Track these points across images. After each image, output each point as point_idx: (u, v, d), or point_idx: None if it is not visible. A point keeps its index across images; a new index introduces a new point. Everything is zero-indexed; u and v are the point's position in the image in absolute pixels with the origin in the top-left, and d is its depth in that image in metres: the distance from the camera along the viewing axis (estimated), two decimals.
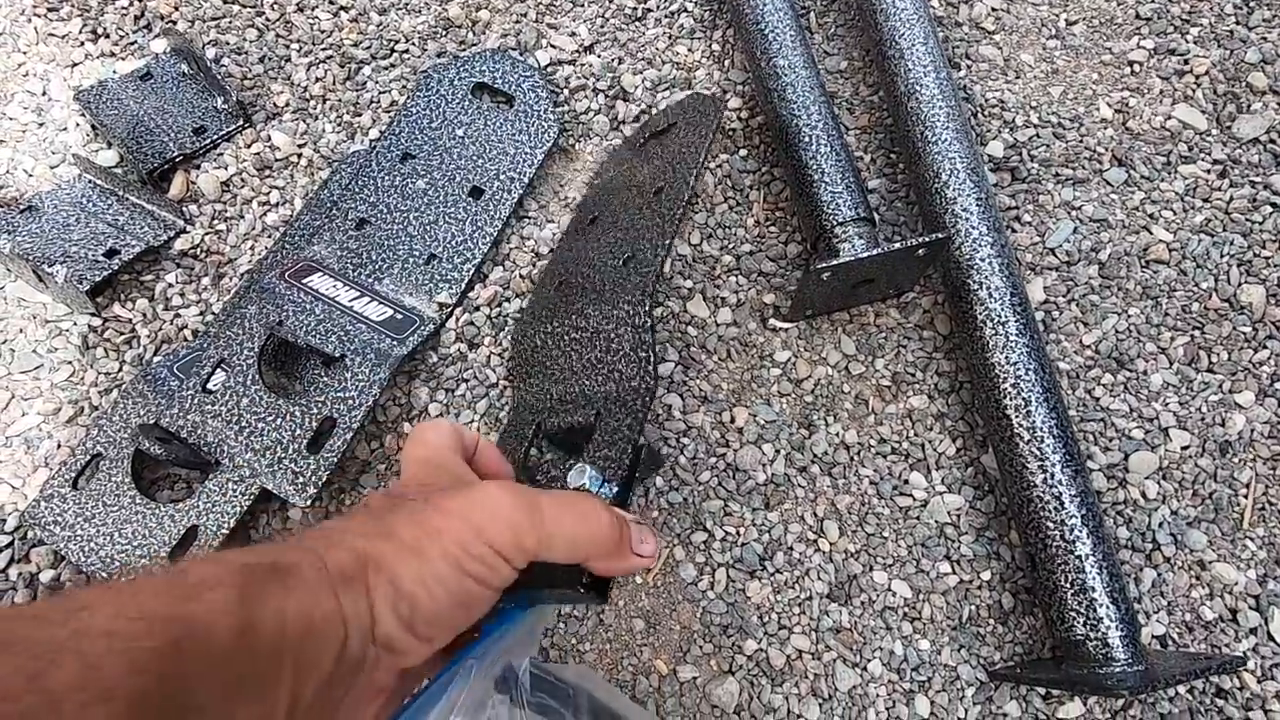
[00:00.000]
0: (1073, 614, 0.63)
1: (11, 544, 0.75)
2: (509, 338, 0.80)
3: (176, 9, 0.98)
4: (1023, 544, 0.68)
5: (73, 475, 0.73)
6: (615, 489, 0.45)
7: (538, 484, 0.67)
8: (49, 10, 0.98)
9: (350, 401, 0.73)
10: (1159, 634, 0.70)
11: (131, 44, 0.97)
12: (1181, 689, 0.68)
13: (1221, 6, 0.93)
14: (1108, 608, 0.62)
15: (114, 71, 0.95)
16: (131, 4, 0.98)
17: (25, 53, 0.97)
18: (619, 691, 0.64)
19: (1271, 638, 0.69)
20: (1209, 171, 0.85)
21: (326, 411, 0.72)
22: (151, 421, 0.73)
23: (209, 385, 0.74)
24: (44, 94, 0.94)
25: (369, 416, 0.74)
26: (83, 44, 0.97)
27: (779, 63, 0.82)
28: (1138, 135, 0.88)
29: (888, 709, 0.68)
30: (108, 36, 0.97)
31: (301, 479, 0.70)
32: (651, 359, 0.57)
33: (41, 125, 0.93)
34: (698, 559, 0.73)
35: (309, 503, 0.70)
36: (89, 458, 0.73)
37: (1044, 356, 0.70)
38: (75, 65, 0.96)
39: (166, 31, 0.95)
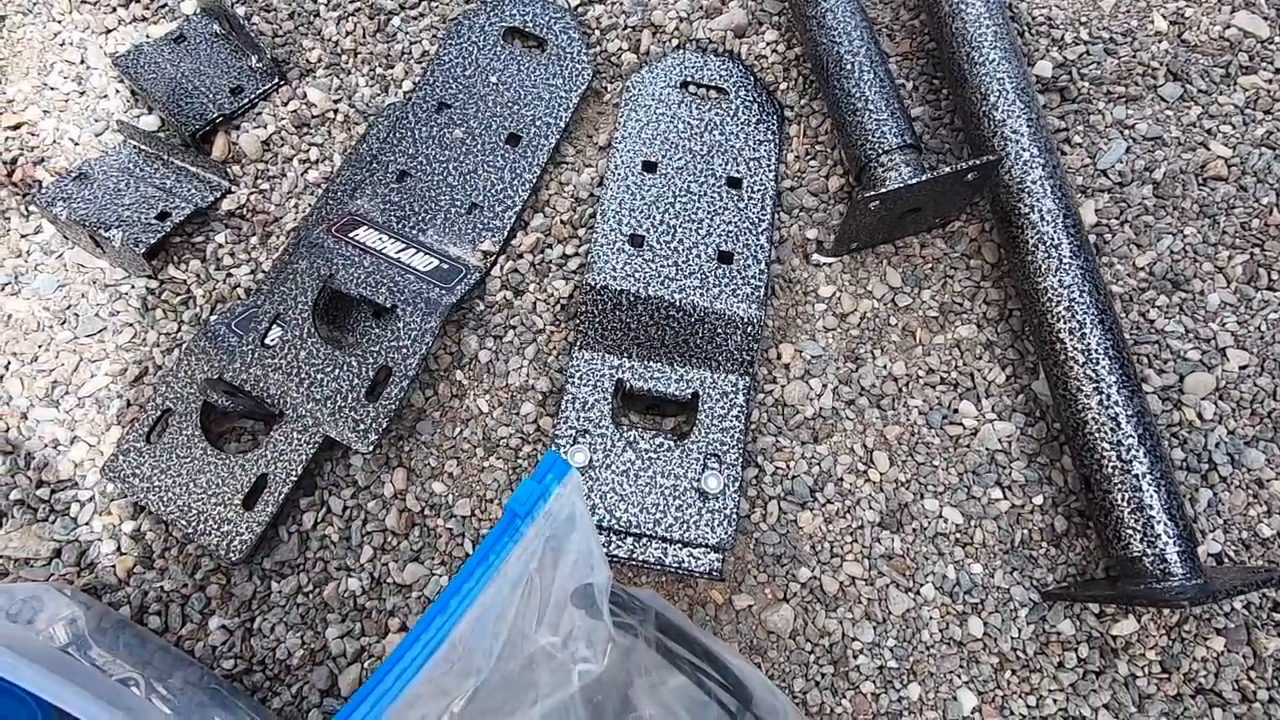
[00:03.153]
0: (1130, 532, 0.63)
1: (93, 498, 0.79)
2: (554, 284, 0.80)
3: None
4: (1076, 467, 0.68)
5: (146, 430, 0.76)
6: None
7: (629, 440, 0.69)
8: None
9: (404, 350, 0.74)
10: (1214, 552, 0.70)
11: (162, 7, 0.97)
12: (1238, 604, 0.68)
13: None
14: (1165, 524, 0.62)
15: (147, 36, 0.95)
16: None
17: (60, 22, 0.97)
18: (681, 613, 0.66)
19: None
20: (1271, 82, 0.82)
21: (382, 361, 0.74)
22: (215, 376, 0.76)
23: (267, 340, 0.76)
24: (82, 62, 0.95)
25: (423, 364, 0.75)
26: (114, 10, 0.97)
27: (820, 3, 0.80)
28: (1194, 47, 0.84)
29: (941, 630, 0.70)
30: (138, 1, 0.97)
31: (363, 426, 0.72)
32: None
33: (83, 94, 0.94)
34: (749, 493, 0.74)
35: (371, 449, 0.72)
36: (159, 413, 0.76)
37: (1098, 278, 0.69)
38: (109, 31, 0.97)
39: None
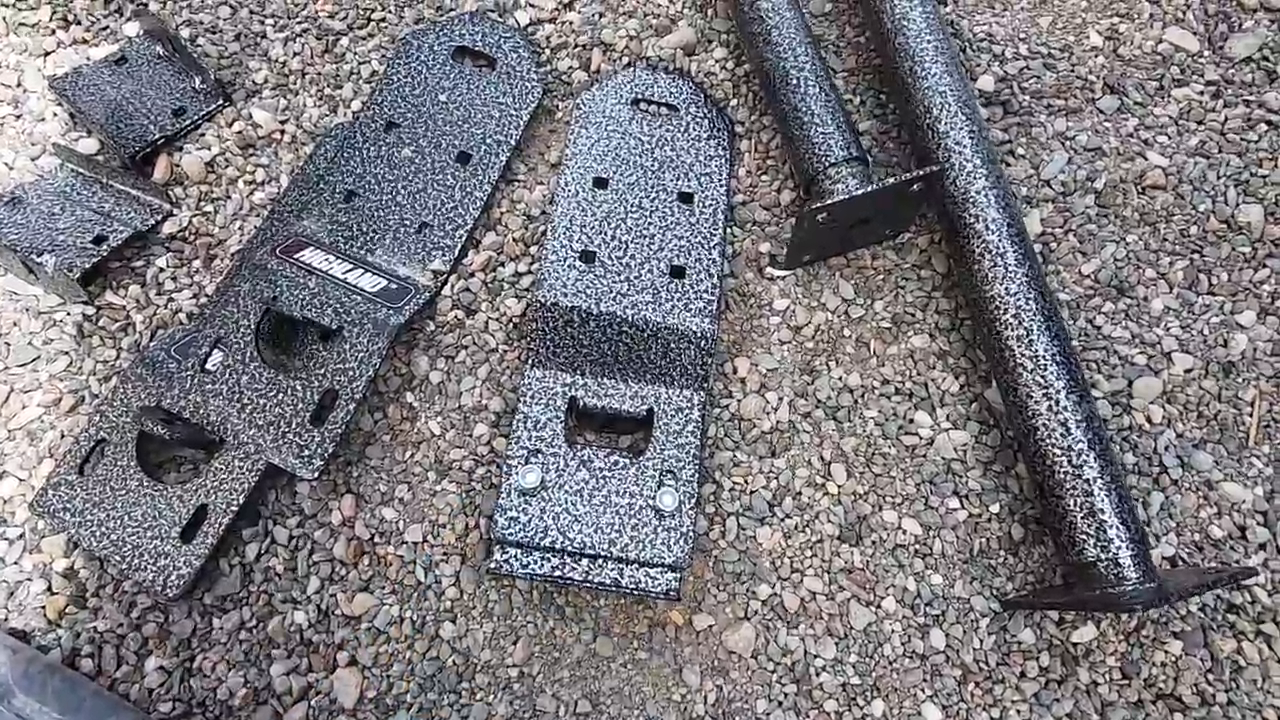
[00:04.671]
0: (1083, 537, 0.63)
1: (23, 534, 0.75)
2: (505, 302, 0.79)
3: None
4: (1030, 473, 0.68)
5: (79, 462, 0.73)
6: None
7: (582, 459, 0.68)
8: (14, 1, 0.96)
9: (351, 373, 0.72)
10: (1168, 555, 0.70)
11: (103, 29, 0.95)
12: (1193, 607, 0.68)
13: None
14: (1118, 529, 0.62)
15: (87, 58, 0.93)
16: None
17: None
18: None
19: (1277, 549, 0.70)
20: (1202, 93, 0.84)
21: (328, 384, 0.72)
22: (153, 404, 0.73)
23: (207, 365, 0.74)
24: (18, 85, 0.93)
25: (370, 387, 0.74)
26: (54, 32, 0.95)
27: (763, 5, 0.81)
28: (1129, 61, 0.86)
29: (903, 644, 0.69)
30: (79, 23, 0.95)
31: (307, 452, 0.70)
32: None
33: (19, 117, 0.91)
34: (707, 510, 0.73)
35: (316, 475, 0.70)
36: (93, 444, 0.73)
37: (1044, 285, 0.70)
38: (48, 54, 0.94)
39: (138, 14, 0.94)
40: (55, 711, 0.65)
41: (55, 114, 0.91)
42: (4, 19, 0.95)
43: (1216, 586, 0.61)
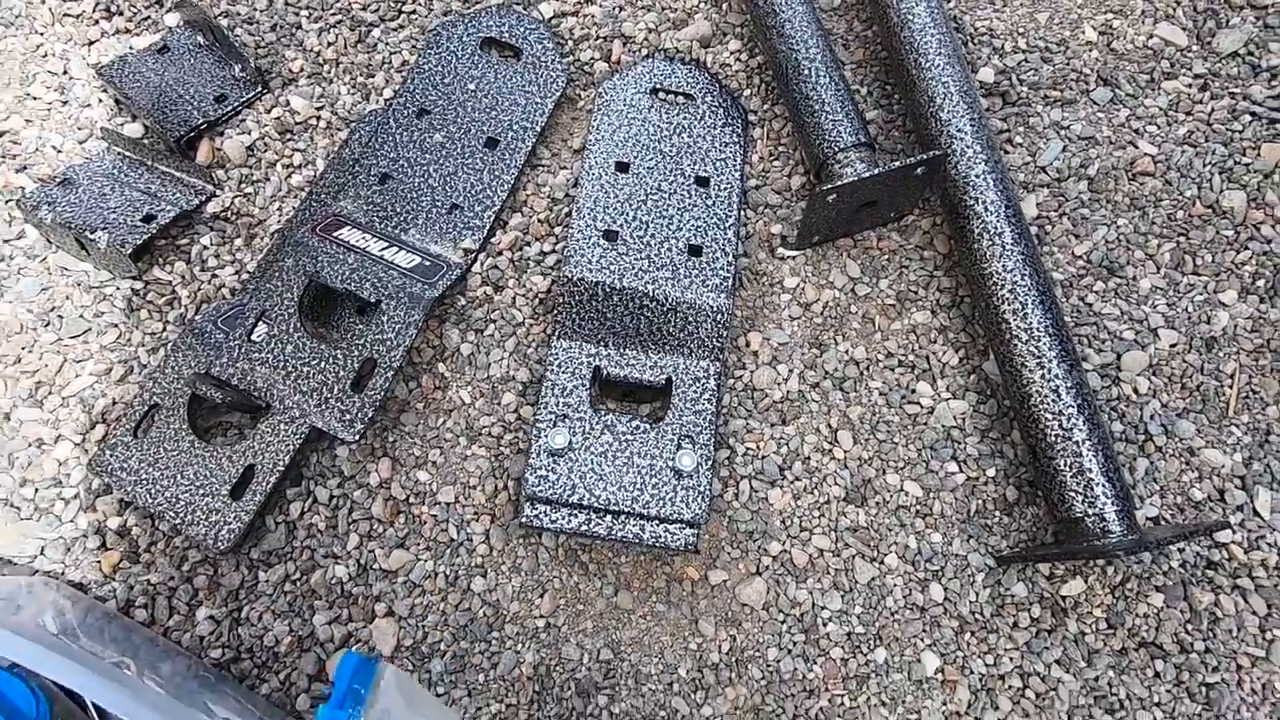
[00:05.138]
0: (1072, 494, 0.68)
1: (78, 495, 0.80)
2: (531, 279, 0.84)
3: None
4: (1024, 438, 0.73)
5: (133, 425, 0.78)
6: None
7: (606, 423, 0.72)
8: None
9: (389, 343, 0.77)
10: (1152, 515, 0.75)
11: (145, 19, 1.00)
12: (1174, 563, 0.73)
13: None
14: (1104, 486, 0.67)
15: (131, 47, 0.98)
16: None
17: (42, 34, 0.99)
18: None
19: (1257, 513, 0.75)
20: (1190, 86, 0.89)
21: (367, 354, 0.77)
22: (202, 371, 0.78)
23: (253, 335, 0.79)
24: (65, 73, 0.97)
25: (406, 357, 0.78)
26: (97, 22, 1.00)
27: (778, 15, 0.85)
28: (1122, 55, 0.91)
29: (904, 596, 0.74)
30: (121, 13, 1.00)
31: (349, 416, 0.75)
32: None
33: (65, 103, 0.96)
34: (722, 473, 0.78)
35: (357, 438, 0.75)
36: (146, 408, 0.78)
37: (1038, 263, 0.75)
38: (92, 43, 0.99)
39: (179, 4, 0.98)
40: (115, 654, 0.70)
41: (100, 100, 0.96)
42: (49, 9, 1.00)
43: (1192, 537, 0.66)
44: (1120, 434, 0.78)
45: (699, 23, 0.94)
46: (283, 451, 0.76)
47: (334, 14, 0.97)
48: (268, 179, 0.90)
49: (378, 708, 0.45)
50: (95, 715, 0.67)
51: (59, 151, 0.94)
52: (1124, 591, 0.73)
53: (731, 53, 0.93)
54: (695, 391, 0.76)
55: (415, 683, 0.56)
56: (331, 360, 0.77)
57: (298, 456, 0.77)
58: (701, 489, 0.72)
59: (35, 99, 0.96)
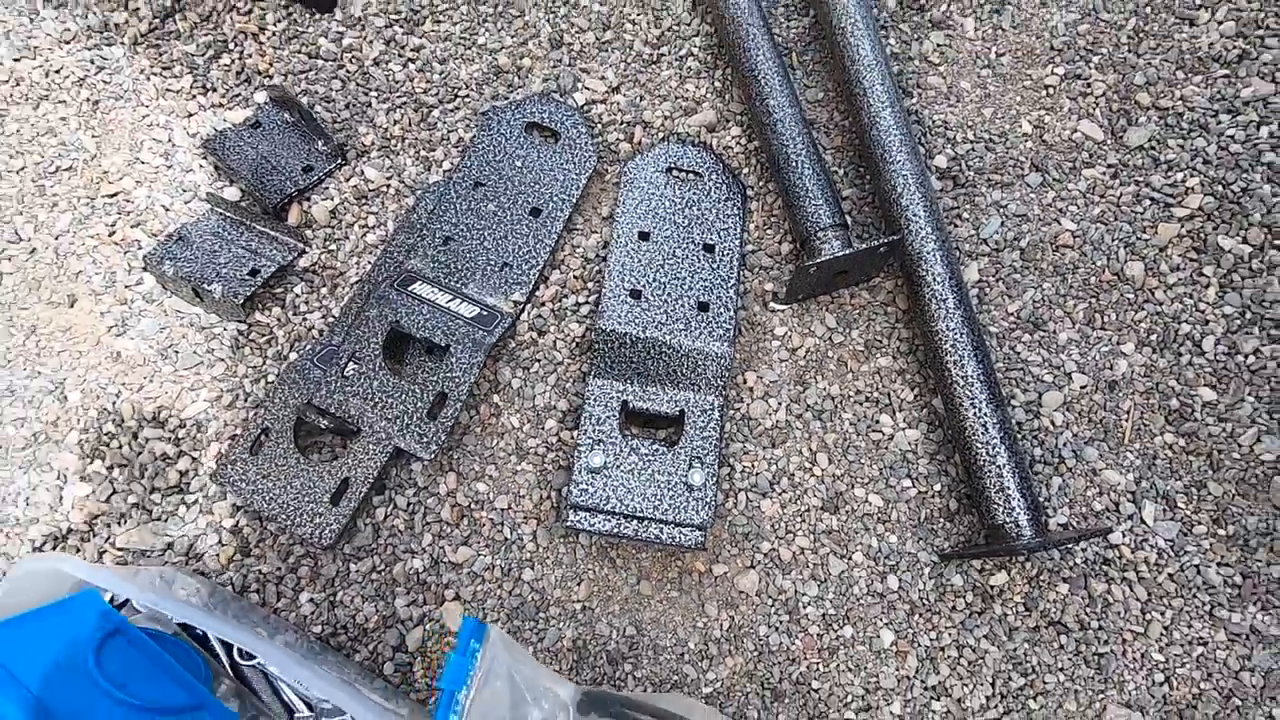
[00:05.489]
0: (995, 506, 0.88)
1: (198, 500, 0.98)
2: (569, 326, 1.03)
3: (271, 65, 1.18)
4: (961, 461, 0.93)
5: (249, 445, 0.96)
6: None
7: (632, 446, 0.91)
8: (163, 69, 1.18)
9: (457, 380, 0.96)
10: (1062, 522, 0.95)
11: (236, 95, 1.17)
12: (1078, 559, 0.94)
13: (1117, 37, 1.17)
14: (1019, 500, 0.87)
15: (225, 120, 1.15)
16: (233, 62, 1.18)
17: (148, 106, 1.17)
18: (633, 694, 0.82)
19: (1143, 521, 0.95)
20: (1104, 174, 1.10)
21: (440, 388, 0.96)
22: (306, 401, 0.96)
23: (345, 372, 0.97)
24: (169, 141, 1.15)
25: (471, 390, 0.97)
26: (194, 97, 1.17)
27: (770, 102, 1.05)
28: (1051, 146, 1.12)
29: (867, 585, 0.94)
30: (215, 90, 1.18)
31: (426, 438, 0.93)
32: None
33: (170, 167, 1.14)
34: (724, 487, 0.97)
35: (432, 457, 0.93)
36: (260, 431, 0.96)
37: (975, 323, 0.95)
38: (190, 115, 1.16)
39: (266, 85, 1.16)
40: (248, 624, 0.88)
41: (200, 165, 1.14)
42: (154, 86, 1.17)
43: (1084, 538, 0.86)
44: (1039, 457, 0.98)
45: (706, 111, 1.14)
46: (372, 466, 0.94)
47: (399, 96, 1.15)
48: (347, 237, 1.08)
49: (488, 656, 0.63)
50: (230, 673, 0.85)
51: (167, 210, 1.11)
52: (1038, 582, 0.93)
53: (733, 137, 1.13)
54: (703, 421, 0.95)
55: (514, 641, 0.73)
56: (411, 393, 0.95)
57: (384, 471, 0.95)
58: (708, 499, 0.91)
59: (144, 163, 1.14)
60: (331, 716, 0.81)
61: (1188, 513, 0.95)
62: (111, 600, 0.84)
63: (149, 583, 0.83)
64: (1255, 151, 1.08)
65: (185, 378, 1.03)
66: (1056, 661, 0.91)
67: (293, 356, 1.02)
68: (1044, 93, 1.15)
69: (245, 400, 1.01)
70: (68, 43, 1.20)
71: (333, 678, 0.78)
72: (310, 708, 0.83)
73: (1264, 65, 1.12)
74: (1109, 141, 1.11)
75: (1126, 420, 0.99)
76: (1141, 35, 1.16)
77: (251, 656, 0.84)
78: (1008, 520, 0.87)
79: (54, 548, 0.96)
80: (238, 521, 0.97)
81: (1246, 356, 1.00)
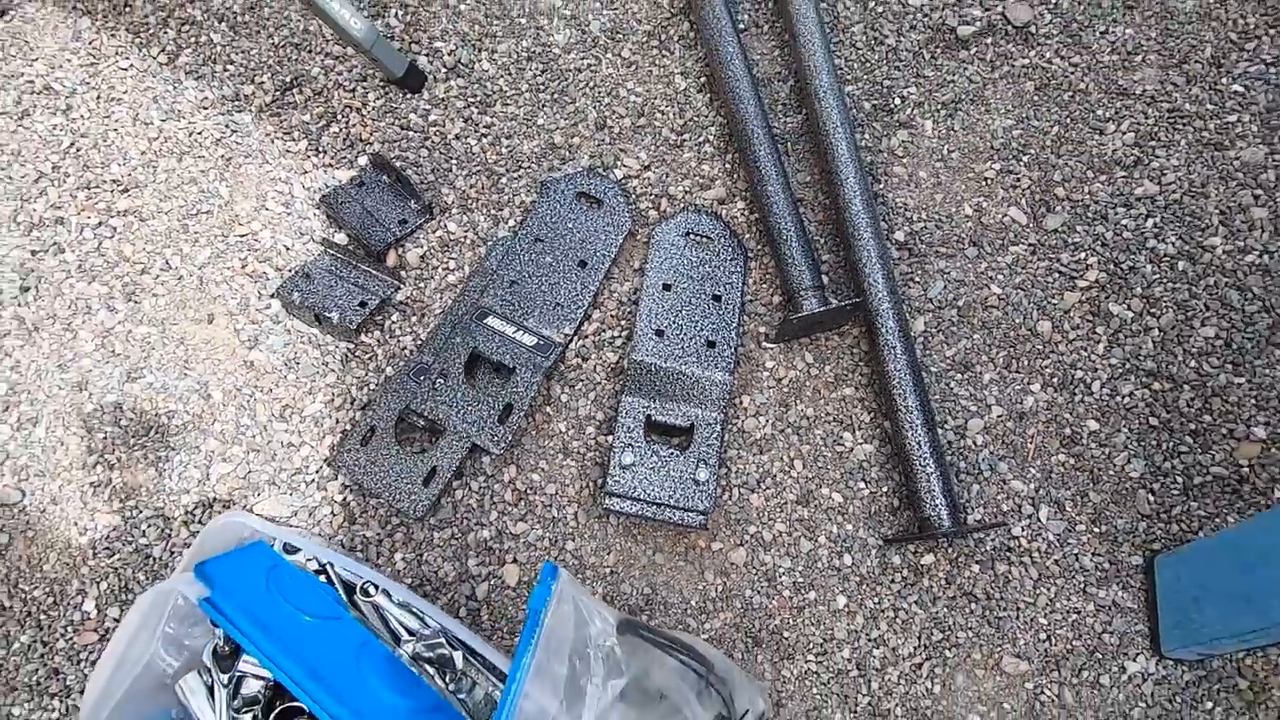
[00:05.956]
0: (925, 503, 1.18)
1: (314, 480, 1.26)
2: (606, 355, 1.33)
3: (371, 134, 1.47)
4: (902, 470, 1.23)
5: (360, 438, 1.24)
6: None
7: (654, 449, 1.20)
8: (284, 134, 1.47)
9: (520, 393, 1.25)
10: (977, 519, 1.25)
11: (343, 157, 1.47)
12: (988, 547, 1.24)
13: (1043, 140, 1.48)
14: (943, 499, 1.17)
15: (335, 177, 1.44)
16: (341, 130, 1.48)
17: (271, 163, 1.46)
18: (665, 627, 1.17)
19: (1039, 519, 1.25)
20: (1025, 250, 1.40)
21: (507, 400, 1.25)
22: (405, 406, 1.25)
23: (435, 385, 1.26)
24: (289, 193, 1.44)
25: (532, 402, 1.26)
26: (309, 157, 1.46)
27: (767, 184, 1.35)
28: (986, 226, 1.42)
29: (828, 561, 1.24)
30: (326, 152, 1.47)
31: (497, 437, 1.22)
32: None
33: (289, 215, 1.43)
34: (722, 483, 1.26)
35: (500, 452, 1.22)
36: (369, 428, 1.25)
37: (917, 365, 1.25)
38: (306, 173, 1.45)
39: (368, 151, 1.45)
40: (361, 567, 1.17)
41: (315, 214, 1.43)
42: (277, 147, 1.46)
43: (988, 529, 1.17)
44: (963, 469, 1.28)
45: (718, 188, 1.44)
46: (454, 458, 1.23)
47: (474, 165, 1.45)
48: (433, 278, 1.38)
49: (559, 588, 0.91)
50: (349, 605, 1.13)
51: (288, 249, 1.40)
52: (957, 563, 1.23)
53: (739, 209, 1.43)
54: (708, 432, 1.25)
55: (575, 579, 1.01)
56: (485, 403, 1.24)
57: (463, 462, 1.24)
58: (710, 492, 1.21)
59: (268, 210, 1.43)
60: (428, 640, 1.09)
61: (1072, 515, 1.26)
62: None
63: (296, 535, 1.11)
64: (1142, 238, 1.40)
65: (305, 384, 1.32)
66: (967, 622, 1.21)
67: (389, 371, 1.31)
68: (983, 183, 1.46)
69: (351, 404, 1.30)
70: (206, 108, 1.49)
71: (432, 608, 1.07)
72: (411, 634, 1.11)
73: (1153, 170, 1.44)
74: (1030, 225, 1.42)
75: (1030, 443, 1.30)
76: (1062, 140, 1.48)
77: (367, 594, 1.12)
78: (934, 514, 1.17)
79: (203, 514, 1.25)
80: (345, 497, 1.26)
81: (1124, 398, 1.31)
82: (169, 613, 0.99)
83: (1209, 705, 1.17)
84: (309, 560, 1.10)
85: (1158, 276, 1.38)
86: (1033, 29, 1.54)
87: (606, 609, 0.98)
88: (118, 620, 1.20)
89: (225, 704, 1.01)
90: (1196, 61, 1.51)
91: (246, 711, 1.01)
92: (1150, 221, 1.41)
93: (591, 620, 0.95)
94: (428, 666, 1.07)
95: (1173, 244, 1.40)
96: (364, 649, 1.00)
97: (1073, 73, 1.51)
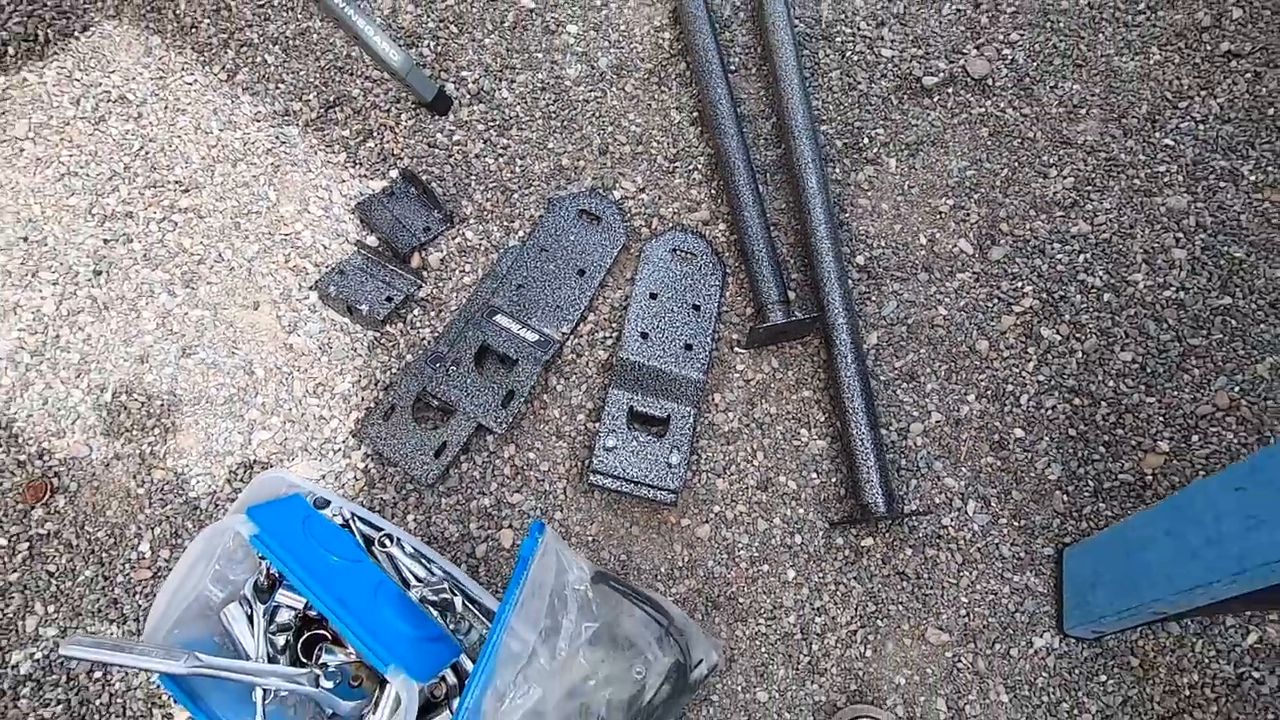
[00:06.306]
0: (864, 491, 1.37)
1: (340, 449, 1.46)
2: (597, 352, 1.52)
3: (402, 150, 1.68)
4: (848, 464, 1.42)
5: (382, 414, 1.44)
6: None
7: (635, 435, 1.40)
8: (326, 146, 1.68)
9: (521, 382, 1.45)
10: (912, 509, 1.44)
11: (376, 169, 1.67)
12: (920, 534, 1.43)
13: (993, 181, 1.67)
14: (881, 488, 1.36)
15: (369, 187, 1.65)
16: (376, 146, 1.68)
17: (313, 171, 1.66)
18: (632, 581, 1.37)
19: (965, 512, 1.44)
20: (970, 278, 1.60)
21: (509, 387, 1.45)
22: (421, 388, 1.45)
23: (448, 372, 1.46)
24: (329, 199, 1.64)
25: (531, 390, 1.46)
26: (347, 169, 1.67)
27: (745, 210, 1.55)
28: (938, 255, 1.62)
29: (781, 539, 1.43)
30: (361, 165, 1.67)
31: (500, 419, 1.42)
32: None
33: (328, 218, 1.63)
34: (692, 467, 1.46)
35: (502, 432, 1.42)
36: (390, 406, 1.45)
37: (866, 374, 1.44)
38: (343, 182, 1.66)
39: (398, 165, 1.66)
40: (382, 521, 1.36)
41: (350, 218, 1.63)
42: (319, 158, 1.67)
43: (919, 515, 1.36)
44: (904, 466, 1.47)
45: (703, 210, 1.64)
46: (462, 435, 1.43)
47: (492, 181, 1.65)
48: (450, 279, 1.58)
49: (544, 540, 1.11)
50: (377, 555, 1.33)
51: (325, 248, 1.61)
52: (892, 545, 1.42)
53: (720, 230, 1.63)
54: (682, 423, 1.44)
55: (557, 534, 1.22)
56: (490, 389, 1.44)
57: (469, 439, 1.44)
58: (681, 474, 1.40)
59: (310, 213, 1.63)
60: (434, 585, 1.29)
61: (996, 509, 1.45)
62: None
63: (326, 492, 1.31)
64: (1074, 271, 1.59)
65: (336, 366, 1.52)
66: (899, 597, 1.40)
67: (409, 358, 1.52)
68: (938, 216, 1.65)
69: (375, 385, 1.50)
70: (258, 121, 1.69)
71: (439, 557, 1.27)
72: (419, 580, 1.31)
73: (1087, 211, 1.63)
74: (976, 255, 1.62)
75: (964, 446, 1.48)
76: (1010, 181, 1.67)
77: (383, 545, 1.32)
78: (871, 501, 1.37)
79: (244, 473, 1.45)
80: (367, 465, 1.46)
81: (1048, 410, 1.50)
82: (220, 551, 1.19)
83: (1103, 679, 1.35)
84: (336, 514, 1.30)
85: (1085, 305, 1.57)
86: (989, 81, 1.74)
87: (584, 562, 1.18)
88: (168, 560, 1.40)
89: (263, 630, 1.21)
90: (1134, 117, 1.71)
91: (280, 635, 1.21)
92: (1082, 257, 1.60)
93: (570, 569, 1.15)
94: (432, 609, 1.26)
95: (1100, 277, 1.59)
96: (380, 587, 1.20)
97: (1023, 122, 1.71)
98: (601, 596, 1.19)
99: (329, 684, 1.14)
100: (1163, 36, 1.78)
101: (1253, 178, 1.66)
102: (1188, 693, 1.34)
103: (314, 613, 1.22)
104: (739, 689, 1.34)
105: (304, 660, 1.20)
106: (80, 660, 1.24)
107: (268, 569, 1.22)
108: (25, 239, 1.58)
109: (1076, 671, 1.36)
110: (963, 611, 1.39)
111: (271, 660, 1.19)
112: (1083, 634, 1.35)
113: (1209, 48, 1.77)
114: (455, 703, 1.21)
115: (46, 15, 1.76)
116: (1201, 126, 1.69)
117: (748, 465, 1.47)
